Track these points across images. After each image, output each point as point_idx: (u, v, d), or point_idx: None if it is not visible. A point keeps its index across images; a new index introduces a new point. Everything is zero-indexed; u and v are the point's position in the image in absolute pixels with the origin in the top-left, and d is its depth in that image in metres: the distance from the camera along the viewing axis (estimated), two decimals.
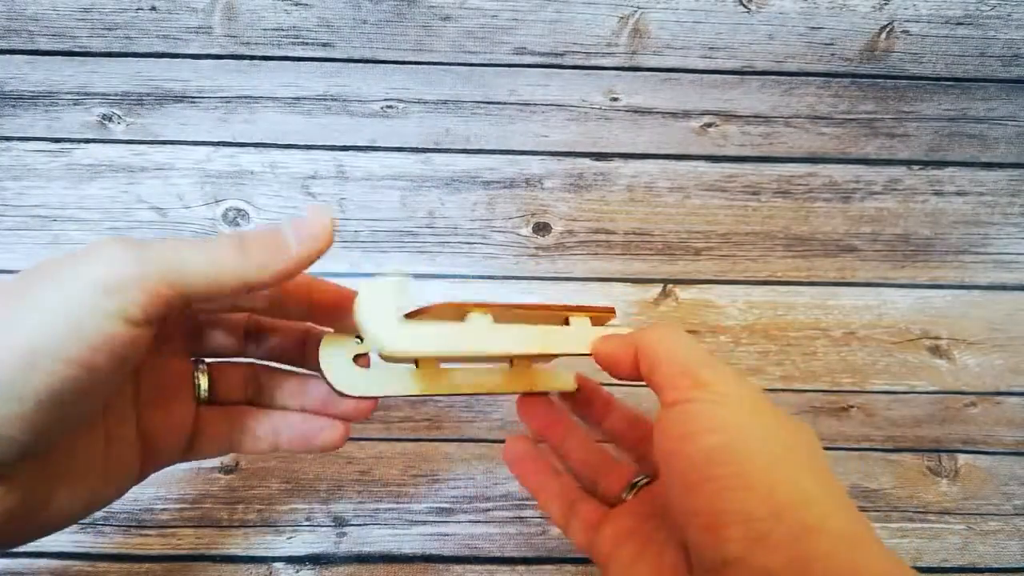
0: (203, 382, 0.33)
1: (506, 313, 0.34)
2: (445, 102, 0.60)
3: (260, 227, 0.28)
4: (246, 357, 0.34)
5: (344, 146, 0.61)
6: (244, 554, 0.43)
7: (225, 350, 0.34)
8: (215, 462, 0.48)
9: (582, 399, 0.40)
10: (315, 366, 0.33)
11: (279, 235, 0.27)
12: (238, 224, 0.61)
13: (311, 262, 0.28)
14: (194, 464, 0.48)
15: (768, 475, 0.26)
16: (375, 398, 0.33)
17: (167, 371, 0.32)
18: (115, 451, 0.29)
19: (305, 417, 0.34)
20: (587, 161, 0.62)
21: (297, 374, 0.35)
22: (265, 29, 0.57)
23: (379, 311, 0.30)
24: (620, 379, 0.34)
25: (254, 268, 0.26)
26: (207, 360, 0.33)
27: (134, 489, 0.46)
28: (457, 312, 0.33)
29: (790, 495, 0.25)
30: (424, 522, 0.47)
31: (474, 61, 0.58)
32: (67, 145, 0.59)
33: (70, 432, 0.25)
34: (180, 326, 0.33)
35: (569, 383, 0.40)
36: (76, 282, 0.23)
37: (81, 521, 0.44)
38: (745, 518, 0.25)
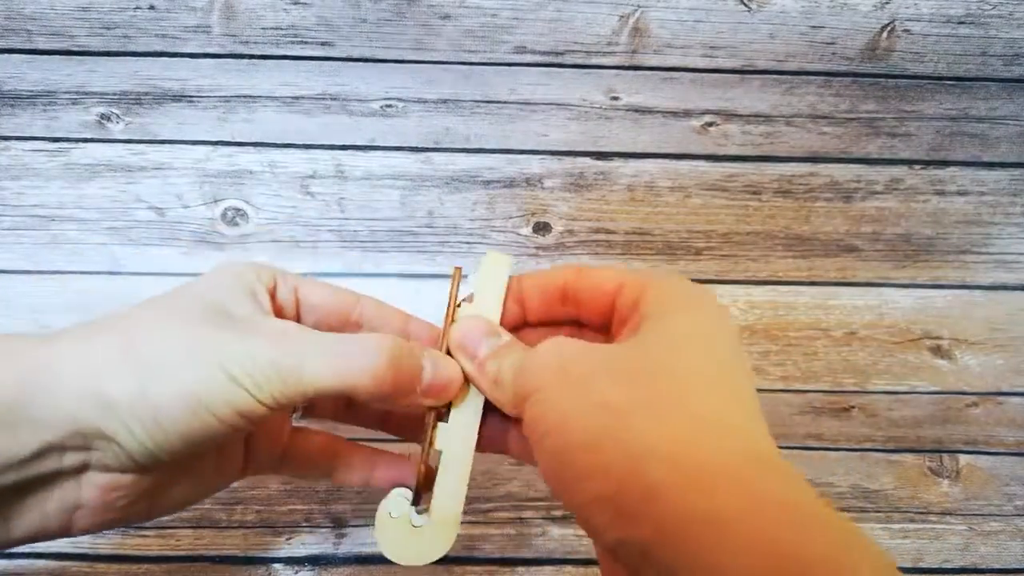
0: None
1: None
2: (445, 101, 0.60)
3: (413, 357, 0.30)
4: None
5: (343, 145, 0.61)
6: (243, 555, 0.43)
7: None
8: None
9: None
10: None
11: (418, 375, 0.30)
12: (237, 224, 0.61)
13: (424, 407, 0.31)
14: None
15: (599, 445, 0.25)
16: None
17: None
18: (226, 454, 0.33)
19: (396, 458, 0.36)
20: (587, 160, 0.62)
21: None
22: (264, 28, 0.57)
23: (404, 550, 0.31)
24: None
25: (382, 393, 0.29)
26: None
27: None
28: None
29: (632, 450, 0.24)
30: None
31: (474, 60, 0.58)
32: (65, 145, 0.59)
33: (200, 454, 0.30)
34: None
35: None
36: (229, 358, 0.27)
37: None
38: (596, 498, 0.24)
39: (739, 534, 0.21)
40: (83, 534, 0.30)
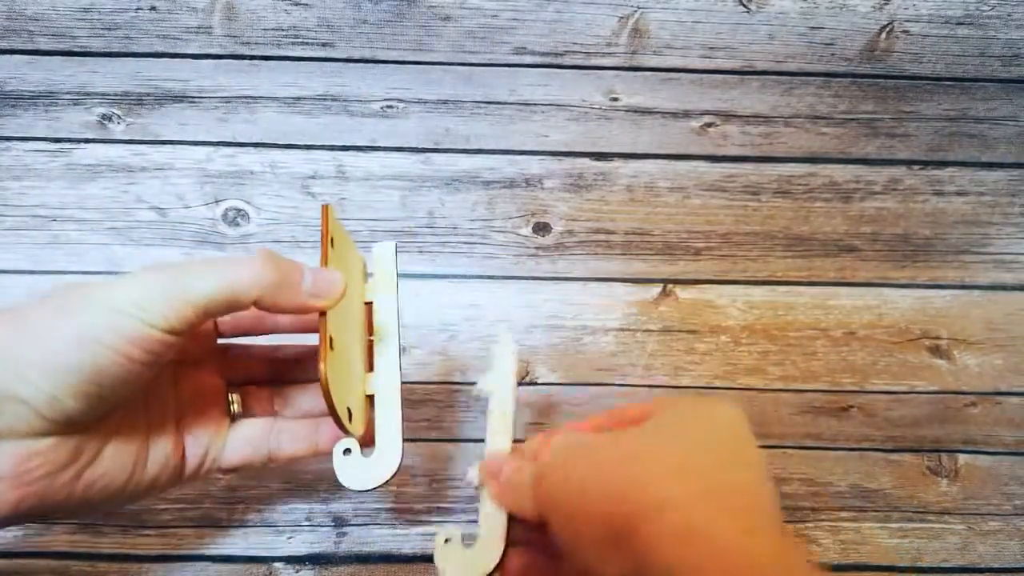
0: (235, 399, 0.39)
1: None
2: (445, 102, 0.60)
3: (289, 261, 0.33)
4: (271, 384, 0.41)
5: (344, 146, 0.61)
6: (244, 554, 0.43)
7: (254, 378, 0.41)
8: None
9: None
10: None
11: (297, 273, 0.33)
12: (238, 224, 0.61)
13: (312, 310, 0.33)
14: None
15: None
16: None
17: (203, 388, 0.38)
18: (153, 441, 0.35)
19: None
20: (587, 161, 0.62)
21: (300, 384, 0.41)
22: (265, 29, 0.57)
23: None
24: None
25: (266, 289, 0.32)
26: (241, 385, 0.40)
27: None
28: None
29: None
30: (424, 522, 0.47)
31: (474, 61, 0.58)
32: (67, 145, 0.59)
33: (112, 408, 0.31)
34: (215, 356, 0.40)
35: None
36: (116, 295, 0.29)
37: (79, 521, 0.44)
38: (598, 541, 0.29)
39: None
40: (6, 524, 0.30)
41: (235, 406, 0.39)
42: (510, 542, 0.35)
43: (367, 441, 0.37)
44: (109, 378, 0.29)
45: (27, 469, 0.29)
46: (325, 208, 0.37)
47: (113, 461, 0.32)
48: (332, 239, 0.37)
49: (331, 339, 0.33)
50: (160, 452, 0.35)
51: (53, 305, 0.30)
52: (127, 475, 0.33)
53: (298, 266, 0.33)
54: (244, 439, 0.38)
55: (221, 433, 0.38)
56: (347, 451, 0.36)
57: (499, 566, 0.35)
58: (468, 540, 0.36)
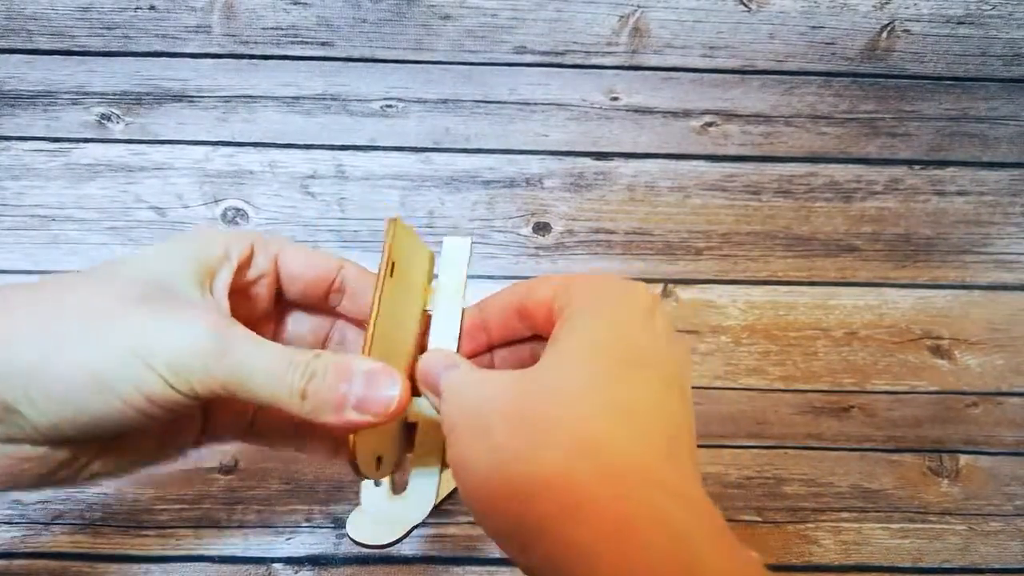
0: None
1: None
2: (445, 101, 0.60)
3: (335, 367, 0.28)
4: None
5: (344, 145, 0.61)
6: (243, 555, 0.43)
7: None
8: (215, 462, 0.48)
9: None
10: None
11: (344, 382, 0.28)
12: (237, 223, 0.61)
13: (358, 428, 0.28)
14: (193, 464, 0.48)
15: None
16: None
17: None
18: (171, 429, 0.31)
19: None
20: (587, 160, 0.62)
21: None
22: (264, 28, 0.57)
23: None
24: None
25: (305, 411, 0.27)
26: None
27: (134, 490, 0.46)
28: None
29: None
30: (424, 523, 0.47)
31: (474, 60, 0.58)
32: (66, 145, 0.59)
33: (114, 437, 0.28)
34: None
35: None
36: (152, 343, 0.26)
37: (79, 522, 0.44)
38: (500, 533, 0.25)
39: (607, 563, 0.22)
40: None
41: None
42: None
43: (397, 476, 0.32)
44: (115, 424, 0.27)
45: (22, 470, 0.28)
46: (393, 224, 0.31)
47: (115, 463, 0.30)
48: (393, 265, 0.31)
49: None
50: (178, 439, 0.32)
51: (83, 310, 0.27)
52: (138, 465, 0.31)
53: (346, 368, 0.28)
54: (275, 423, 0.34)
55: (250, 407, 0.33)
56: (377, 484, 0.33)
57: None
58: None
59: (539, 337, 0.33)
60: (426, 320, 0.34)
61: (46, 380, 0.26)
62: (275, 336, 0.35)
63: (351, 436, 0.27)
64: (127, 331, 0.26)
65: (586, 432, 0.25)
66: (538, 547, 0.23)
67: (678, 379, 0.28)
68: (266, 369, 0.27)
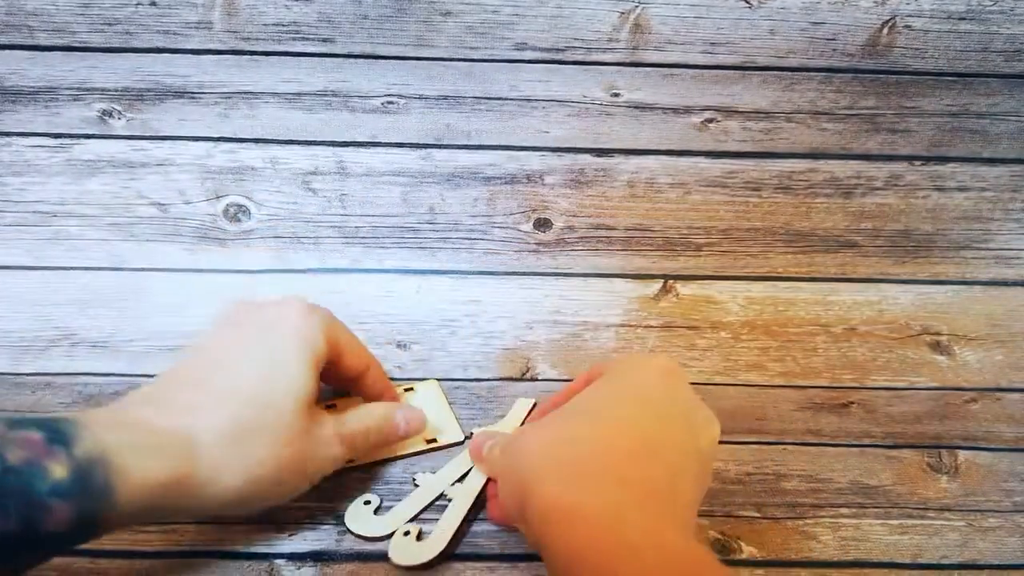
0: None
1: None
2: (446, 98, 0.60)
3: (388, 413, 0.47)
4: None
5: (345, 142, 0.61)
6: (245, 550, 0.43)
7: None
8: None
9: None
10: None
11: (396, 419, 0.47)
12: (239, 220, 0.61)
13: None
14: None
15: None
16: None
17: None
18: None
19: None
20: (588, 157, 0.62)
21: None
22: (265, 24, 0.57)
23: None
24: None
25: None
26: None
27: None
28: None
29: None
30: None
31: (475, 57, 0.58)
32: (67, 141, 0.59)
33: None
34: None
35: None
36: (317, 477, 0.43)
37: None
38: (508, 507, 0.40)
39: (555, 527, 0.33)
40: None
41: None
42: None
43: None
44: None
45: None
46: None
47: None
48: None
49: None
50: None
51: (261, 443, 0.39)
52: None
53: (392, 414, 0.47)
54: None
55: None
56: (406, 533, 0.44)
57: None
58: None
59: None
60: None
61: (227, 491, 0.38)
62: None
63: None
64: (302, 465, 0.41)
65: (576, 452, 0.37)
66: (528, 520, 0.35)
67: (674, 414, 0.40)
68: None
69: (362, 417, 0.44)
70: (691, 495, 0.37)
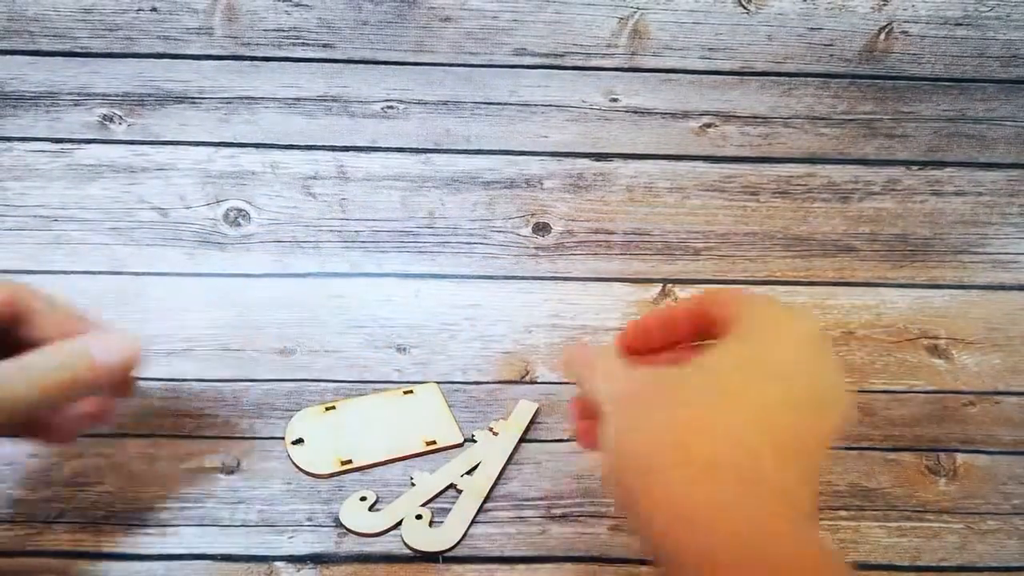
0: None
1: None
2: (445, 103, 0.60)
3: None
4: None
5: (345, 146, 0.61)
6: (245, 553, 0.43)
7: None
8: (216, 462, 0.48)
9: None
10: None
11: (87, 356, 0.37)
12: (239, 224, 0.61)
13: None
14: (194, 464, 0.48)
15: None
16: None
17: None
18: None
19: None
20: (587, 161, 0.62)
21: None
22: (266, 30, 0.57)
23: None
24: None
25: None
26: None
27: (136, 488, 0.46)
28: None
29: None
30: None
31: (474, 62, 0.59)
32: (68, 145, 0.60)
33: None
34: None
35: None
36: None
37: (81, 521, 0.44)
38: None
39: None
40: None
41: None
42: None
43: None
44: None
45: None
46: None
47: None
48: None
49: None
50: None
51: None
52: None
53: (84, 345, 0.37)
54: None
55: None
56: (419, 516, 0.45)
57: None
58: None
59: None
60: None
61: None
62: None
63: None
64: None
65: (712, 451, 0.29)
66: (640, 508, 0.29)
67: (826, 402, 0.31)
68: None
69: (46, 353, 0.37)
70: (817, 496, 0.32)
